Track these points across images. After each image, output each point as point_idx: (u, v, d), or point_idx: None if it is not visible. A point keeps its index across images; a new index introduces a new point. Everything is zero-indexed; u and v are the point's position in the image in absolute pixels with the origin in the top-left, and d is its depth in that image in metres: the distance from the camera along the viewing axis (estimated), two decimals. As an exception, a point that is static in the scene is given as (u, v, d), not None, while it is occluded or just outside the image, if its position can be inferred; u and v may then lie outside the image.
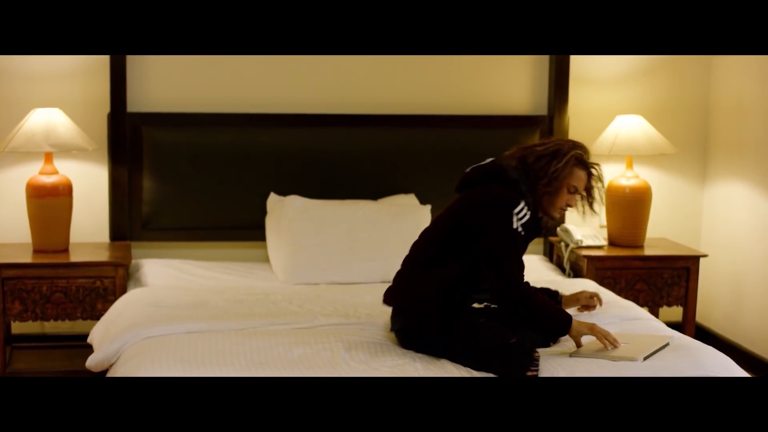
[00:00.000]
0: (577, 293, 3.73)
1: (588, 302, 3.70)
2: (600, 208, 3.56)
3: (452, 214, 3.47)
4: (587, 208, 3.53)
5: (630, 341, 3.45)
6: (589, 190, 3.50)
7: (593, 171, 3.49)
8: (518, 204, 3.35)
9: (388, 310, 3.57)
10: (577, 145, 3.47)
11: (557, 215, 3.50)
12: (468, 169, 3.53)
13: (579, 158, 3.44)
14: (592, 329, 3.37)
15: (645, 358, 3.31)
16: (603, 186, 3.55)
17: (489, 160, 3.53)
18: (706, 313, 5.33)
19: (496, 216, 3.34)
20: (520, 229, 3.34)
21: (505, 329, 3.33)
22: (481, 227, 3.35)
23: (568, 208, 3.50)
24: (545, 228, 4.64)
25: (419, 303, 3.40)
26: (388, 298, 3.51)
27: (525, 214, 3.36)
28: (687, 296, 4.84)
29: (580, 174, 3.45)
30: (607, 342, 3.36)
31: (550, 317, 3.34)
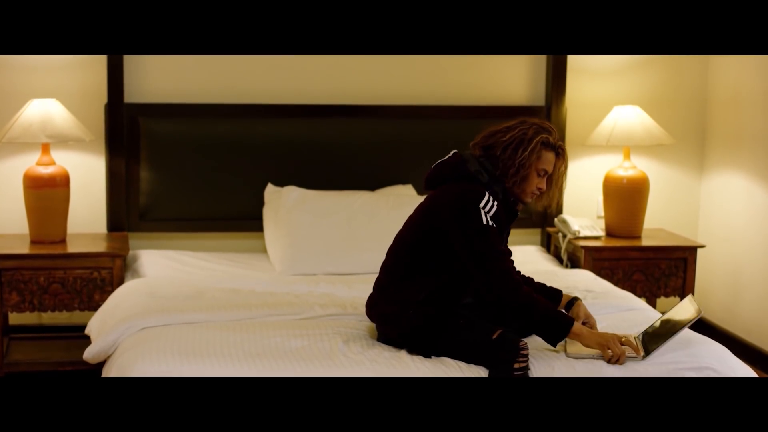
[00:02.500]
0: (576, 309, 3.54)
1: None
2: (555, 192, 3.46)
3: (421, 218, 3.43)
4: (548, 194, 3.45)
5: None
6: (560, 172, 3.42)
7: (560, 151, 3.41)
8: (482, 197, 3.29)
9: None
10: (542, 129, 3.39)
11: (529, 200, 3.43)
12: (432, 166, 3.49)
13: (545, 142, 3.37)
14: (603, 345, 3.22)
15: (644, 357, 3.28)
16: (567, 167, 3.46)
17: (452, 152, 3.48)
18: (703, 304, 5.33)
19: (463, 218, 3.28)
20: (491, 223, 3.29)
21: (487, 324, 3.28)
22: (453, 233, 3.31)
23: (539, 192, 3.42)
24: (547, 216, 4.61)
25: (401, 318, 3.36)
26: (370, 311, 3.50)
27: (492, 206, 3.30)
28: (684, 287, 4.84)
29: (548, 156, 3.38)
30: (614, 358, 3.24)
31: (547, 317, 3.22)
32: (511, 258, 3.59)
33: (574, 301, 3.52)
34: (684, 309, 3.36)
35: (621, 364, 3.22)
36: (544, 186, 3.41)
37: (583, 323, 3.43)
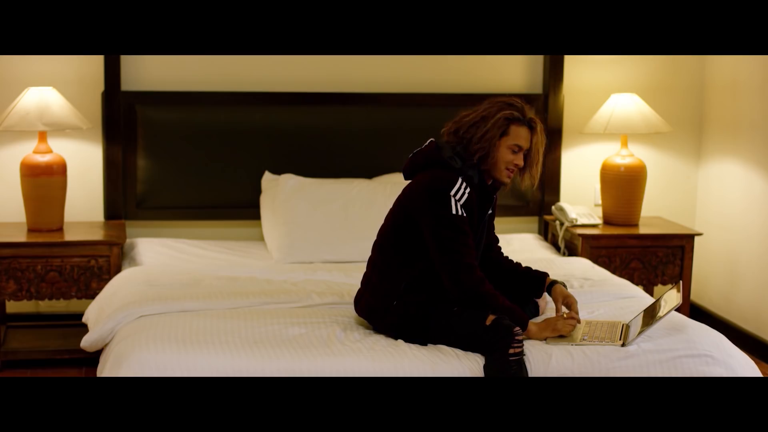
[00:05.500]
0: (566, 298, 3.51)
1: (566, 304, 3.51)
2: (537, 169, 3.40)
3: (398, 209, 3.44)
4: (530, 172, 3.40)
5: (599, 325, 3.46)
6: (536, 147, 3.36)
7: (533, 125, 3.35)
8: (454, 185, 3.28)
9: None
10: (506, 105, 3.34)
11: (505, 178, 3.37)
12: (409, 156, 3.48)
13: (510, 117, 3.32)
14: (555, 328, 3.32)
15: (625, 344, 3.29)
16: (544, 142, 3.40)
17: (429, 141, 3.46)
18: (700, 292, 5.34)
19: (433, 206, 3.28)
20: (461, 212, 3.28)
21: (480, 312, 3.27)
22: (423, 222, 3.32)
23: (515, 167, 3.36)
24: (545, 204, 4.58)
25: (386, 311, 3.37)
26: (357, 305, 3.51)
27: (463, 194, 3.29)
28: (682, 275, 4.85)
29: (519, 131, 3.33)
30: (574, 322, 3.35)
31: (503, 312, 3.25)
32: (498, 245, 3.60)
33: (555, 283, 3.52)
34: (671, 298, 3.37)
35: (572, 327, 3.34)
36: (520, 162, 3.36)
37: (564, 303, 3.46)
